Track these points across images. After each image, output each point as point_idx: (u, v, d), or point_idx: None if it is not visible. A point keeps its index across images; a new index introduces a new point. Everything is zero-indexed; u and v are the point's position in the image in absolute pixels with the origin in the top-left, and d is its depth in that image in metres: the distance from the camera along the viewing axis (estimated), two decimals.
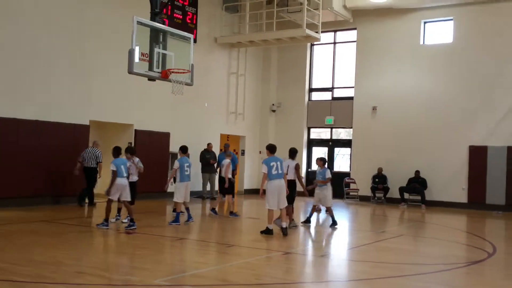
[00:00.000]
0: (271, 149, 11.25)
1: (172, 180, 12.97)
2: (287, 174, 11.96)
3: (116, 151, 11.77)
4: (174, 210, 12.92)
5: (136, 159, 12.49)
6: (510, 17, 18.97)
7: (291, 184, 12.02)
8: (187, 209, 12.50)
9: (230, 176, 14.23)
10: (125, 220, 11.86)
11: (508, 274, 8.76)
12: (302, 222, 13.12)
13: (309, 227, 13.00)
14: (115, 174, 11.26)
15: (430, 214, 17.39)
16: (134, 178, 12.29)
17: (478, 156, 19.22)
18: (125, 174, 11.45)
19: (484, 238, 12.50)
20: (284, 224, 11.05)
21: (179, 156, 12.73)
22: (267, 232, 10.98)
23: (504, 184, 18.72)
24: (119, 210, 12.25)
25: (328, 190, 13.01)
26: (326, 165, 13.31)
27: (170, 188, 13.04)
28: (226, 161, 14.38)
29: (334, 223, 12.83)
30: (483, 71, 19.34)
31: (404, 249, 10.78)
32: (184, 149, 12.74)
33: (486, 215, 17.56)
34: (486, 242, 11.55)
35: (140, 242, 10.15)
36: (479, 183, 19.15)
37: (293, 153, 12.41)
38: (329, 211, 13.08)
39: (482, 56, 19.41)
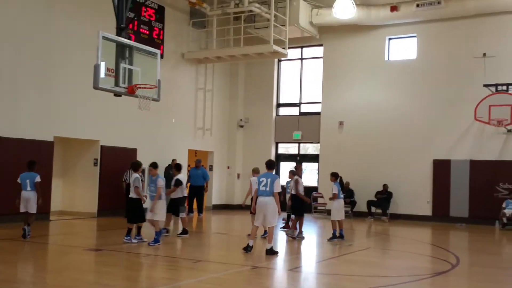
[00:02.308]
0: (268, 165, 11.11)
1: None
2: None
3: (28, 165, 12.12)
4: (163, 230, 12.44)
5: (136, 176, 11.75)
6: (471, 33, 19.51)
7: (295, 198, 13.33)
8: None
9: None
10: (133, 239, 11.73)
11: (471, 285, 8.93)
12: (328, 240, 13.19)
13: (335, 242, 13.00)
14: (20, 187, 11.89)
15: (396, 227, 17.62)
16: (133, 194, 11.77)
17: (442, 169, 19.61)
18: (29, 188, 11.86)
19: (448, 250, 12.71)
20: (268, 246, 10.68)
21: (154, 173, 11.90)
22: (246, 249, 10.67)
23: (467, 197, 19.11)
24: (136, 229, 11.96)
25: (337, 203, 13.26)
26: (338, 180, 13.45)
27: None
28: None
29: (332, 237, 13.15)
30: (445, 87, 19.81)
31: (370, 261, 10.90)
32: (156, 165, 12.07)
33: (450, 228, 17.88)
34: (450, 254, 11.77)
35: (107, 259, 10.01)
36: (443, 196, 19.51)
37: (291, 172, 14.29)
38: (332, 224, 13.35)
39: (445, 71, 19.90)
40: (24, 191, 11.87)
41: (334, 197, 13.14)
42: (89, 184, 17.29)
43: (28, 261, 9.43)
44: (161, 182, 11.69)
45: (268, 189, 10.57)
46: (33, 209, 11.91)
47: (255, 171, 13.49)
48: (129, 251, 10.78)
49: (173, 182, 13.10)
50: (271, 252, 10.51)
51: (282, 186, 12.19)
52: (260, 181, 10.73)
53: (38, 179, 11.99)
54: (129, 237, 11.64)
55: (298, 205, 13.31)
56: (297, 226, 13.40)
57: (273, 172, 11.04)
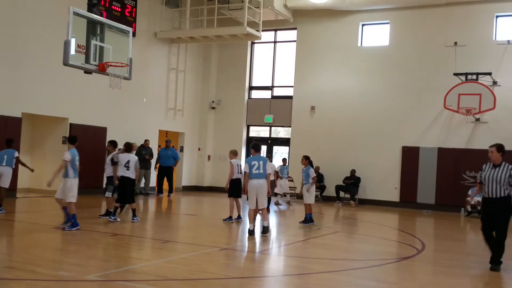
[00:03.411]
0: (256, 147, 11.22)
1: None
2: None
3: (6, 142, 12.69)
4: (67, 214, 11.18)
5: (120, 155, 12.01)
6: (443, 21, 19.72)
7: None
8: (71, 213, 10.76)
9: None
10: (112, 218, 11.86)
11: (436, 269, 9.12)
12: (300, 222, 13.18)
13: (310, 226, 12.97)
14: None
15: (364, 212, 17.85)
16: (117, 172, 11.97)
17: (410, 156, 19.88)
18: (4, 163, 12.37)
19: (414, 235, 12.95)
20: (266, 223, 10.96)
21: (68, 148, 10.76)
22: (249, 233, 10.73)
23: (434, 184, 19.45)
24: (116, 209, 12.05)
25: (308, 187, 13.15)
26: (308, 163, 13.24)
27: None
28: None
29: (305, 220, 13.11)
30: (416, 74, 20.03)
31: (338, 245, 11.04)
32: (73, 140, 10.87)
33: (417, 214, 18.20)
34: (415, 239, 11.98)
35: (74, 237, 9.89)
36: (410, 183, 19.81)
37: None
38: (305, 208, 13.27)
39: (416, 59, 20.09)
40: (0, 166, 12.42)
41: (314, 180, 13.12)
42: (57, 162, 16.64)
43: None
44: (68, 155, 10.38)
45: (262, 171, 10.79)
46: (5, 184, 12.42)
47: (234, 153, 13.35)
48: (97, 230, 10.68)
49: (109, 161, 12.50)
50: (267, 230, 10.85)
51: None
52: (252, 164, 10.85)
53: (16, 154, 12.76)
54: (115, 217, 11.84)
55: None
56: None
57: (261, 154, 11.19)
